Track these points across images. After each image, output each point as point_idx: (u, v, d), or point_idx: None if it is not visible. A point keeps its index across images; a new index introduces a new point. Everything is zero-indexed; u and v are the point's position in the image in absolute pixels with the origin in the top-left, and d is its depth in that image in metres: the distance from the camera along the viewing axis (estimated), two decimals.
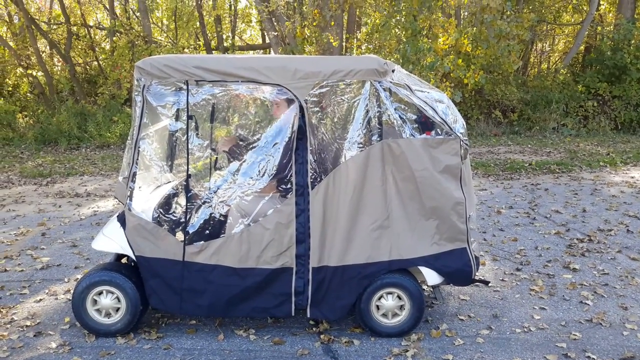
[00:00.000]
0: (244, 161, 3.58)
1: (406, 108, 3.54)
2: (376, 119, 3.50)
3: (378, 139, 3.48)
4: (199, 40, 18.82)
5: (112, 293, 3.64)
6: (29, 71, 16.23)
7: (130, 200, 3.59)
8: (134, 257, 3.62)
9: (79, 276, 4.89)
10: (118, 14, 17.60)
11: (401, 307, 3.68)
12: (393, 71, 3.56)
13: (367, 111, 3.48)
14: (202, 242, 3.57)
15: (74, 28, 17.13)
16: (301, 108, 3.43)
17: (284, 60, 3.48)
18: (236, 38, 19.91)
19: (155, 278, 3.61)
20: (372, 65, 3.40)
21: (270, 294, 3.61)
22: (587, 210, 6.97)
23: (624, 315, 4.07)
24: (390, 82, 3.48)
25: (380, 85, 3.46)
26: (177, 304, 3.64)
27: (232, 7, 19.13)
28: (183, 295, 3.61)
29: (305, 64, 3.40)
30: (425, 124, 3.56)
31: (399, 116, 3.51)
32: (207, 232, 3.65)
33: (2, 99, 15.39)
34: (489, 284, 4.50)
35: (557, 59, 20.34)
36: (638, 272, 4.88)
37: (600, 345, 3.63)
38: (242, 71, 3.41)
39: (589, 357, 3.48)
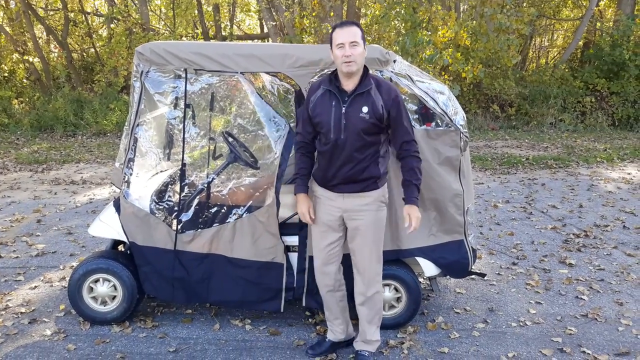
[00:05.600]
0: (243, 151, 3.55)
1: (407, 98, 3.51)
2: None
3: None
4: (197, 29, 18.69)
5: (109, 281, 3.62)
6: (25, 57, 16.11)
7: (127, 187, 3.56)
8: (129, 243, 3.59)
9: (74, 264, 4.86)
10: (116, 1, 17.45)
11: (398, 299, 3.67)
12: (394, 61, 3.53)
13: None
14: (193, 230, 3.54)
15: (71, 14, 16.99)
16: (299, 96, 3.40)
17: (285, 48, 3.44)
18: (234, 27, 19.78)
19: (148, 265, 3.60)
20: (374, 55, 3.36)
21: (260, 287, 3.57)
22: (583, 206, 6.98)
23: (619, 310, 4.08)
24: (392, 71, 3.45)
25: (382, 75, 3.43)
26: (169, 291, 3.62)
27: None
28: (175, 284, 3.60)
29: (306, 52, 3.36)
30: (425, 115, 3.54)
31: None
32: (200, 221, 3.62)
33: None
34: (485, 277, 4.50)
35: (555, 54, 20.32)
36: (634, 268, 4.89)
37: (595, 341, 3.64)
38: (242, 59, 3.37)
39: (584, 352, 3.49)
